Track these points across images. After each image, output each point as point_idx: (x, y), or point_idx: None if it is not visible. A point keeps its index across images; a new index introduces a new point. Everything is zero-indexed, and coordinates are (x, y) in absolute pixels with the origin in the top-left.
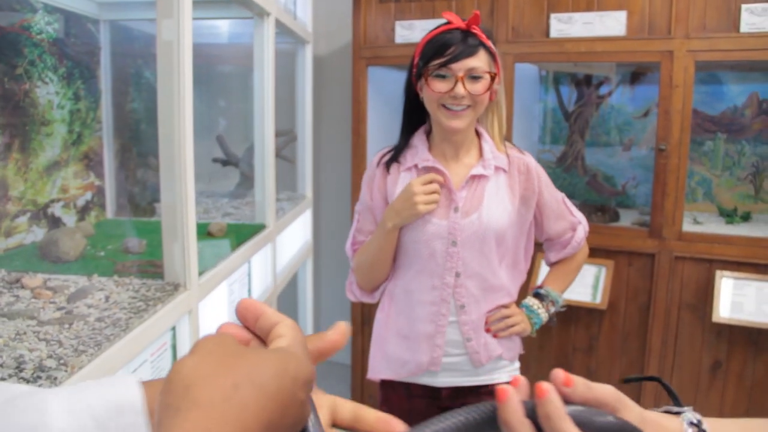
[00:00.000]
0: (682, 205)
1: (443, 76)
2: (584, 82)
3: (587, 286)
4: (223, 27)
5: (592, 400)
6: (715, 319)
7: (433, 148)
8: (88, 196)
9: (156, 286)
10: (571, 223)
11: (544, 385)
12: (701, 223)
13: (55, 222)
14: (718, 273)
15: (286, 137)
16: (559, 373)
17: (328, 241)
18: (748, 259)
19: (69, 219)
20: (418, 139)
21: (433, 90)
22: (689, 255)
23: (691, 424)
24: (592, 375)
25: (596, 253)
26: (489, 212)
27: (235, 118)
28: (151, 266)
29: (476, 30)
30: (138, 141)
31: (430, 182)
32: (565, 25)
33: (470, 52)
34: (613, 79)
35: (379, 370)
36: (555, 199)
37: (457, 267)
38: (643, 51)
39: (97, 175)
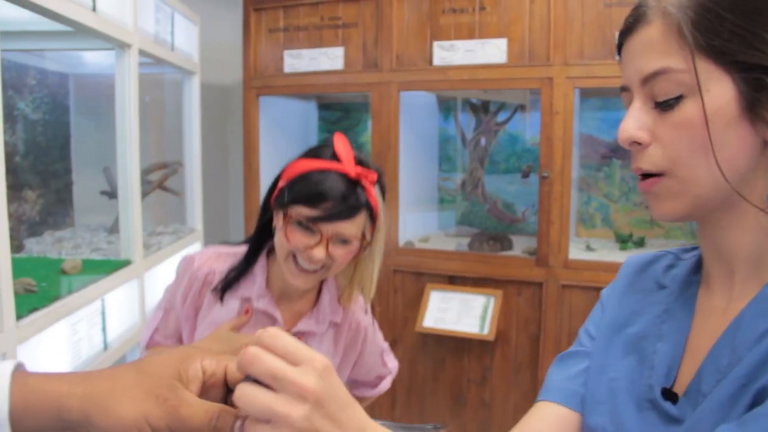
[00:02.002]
0: (568, 232)
1: (306, 227)
2: (482, 110)
3: (475, 317)
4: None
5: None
6: None
7: (271, 277)
8: None
9: None
10: (382, 374)
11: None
12: (594, 250)
13: None
14: None
15: (167, 170)
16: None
17: None
18: None
19: None
20: (259, 266)
21: (289, 240)
22: (576, 283)
23: None
24: (486, 406)
25: (485, 282)
26: None
27: None
28: None
29: (365, 183)
30: (10, 174)
31: None
32: (448, 53)
33: (348, 215)
34: (512, 106)
35: None
36: (373, 353)
37: None
38: (524, 78)
39: None
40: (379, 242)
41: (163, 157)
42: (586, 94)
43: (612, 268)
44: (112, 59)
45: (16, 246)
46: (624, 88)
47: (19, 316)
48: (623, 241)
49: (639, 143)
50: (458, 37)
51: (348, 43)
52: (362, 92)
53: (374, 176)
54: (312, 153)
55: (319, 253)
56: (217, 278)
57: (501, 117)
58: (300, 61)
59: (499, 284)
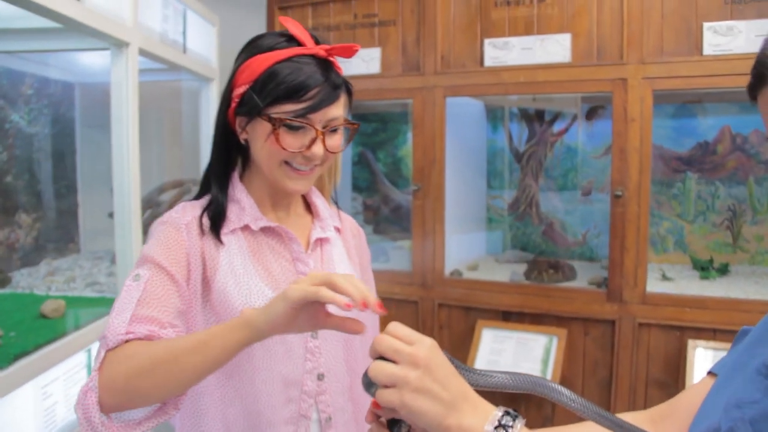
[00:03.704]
0: (645, 261)
1: (296, 128)
2: (536, 118)
3: (536, 360)
4: None
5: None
6: None
7: (256, 198)
8: None
9: None
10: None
11: None
12: (671, 279)
13: None
14: (691, 342)
15: (181, 188)
16: None
17: None
18: (726, 326)
19: None
20: (239, 191)
21: (284, 147)
22: (656, 321)
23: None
24: None
25: (546, 320)
26: None
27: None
28: None
29: (334, 59)
30: (0, 196)
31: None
32: (501, 52)
33: (334, 98)
34: (569, 114)
35: None
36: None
37: (319, 367)
38: (591, 80)
39: None
40: None
41: (182, 174)
42: (656, 98)
43: (696, 303)
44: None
45: (5, 280)
46: None
47: None
48: (703, 268)
49: None
50: (513, 33)
51: (385, 43)
52: (401, 99)
53: (341, 50)
54: (265, 47)
55: (318, 149)
56: (199, 224)
57: (557, 126)
58: None
59: (563, 322)
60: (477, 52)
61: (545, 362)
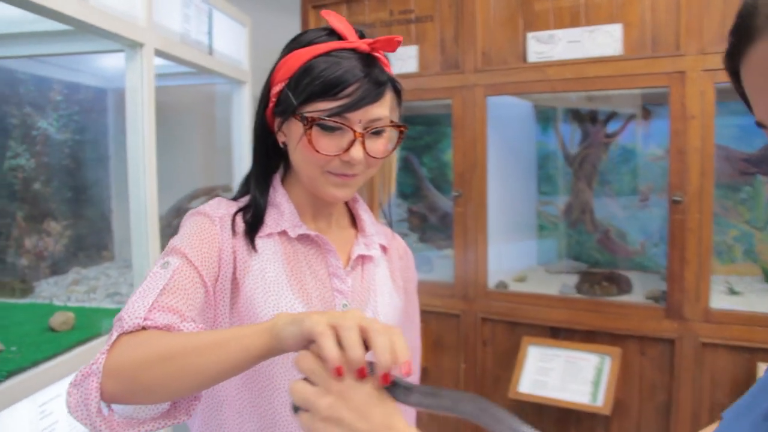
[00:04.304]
0: (708, 274)
1: (332, 129)
2: (588, 119)
3: (586, 382)
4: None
5: None
6: None
7: (297, 207)
8: None
9: None
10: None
11: None
12: (739, 293)
13: None
14: (762, 366)
15: (209, 196)
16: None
17: None
18: None
19: None
20: (280, 195)
21: (319, 151)
22: (721, 341)
23: None
24: None
25: (598, 337)
26: (384, 309)
27: (165, 174)
28: None
29: (380, 54)
30: (27, 203)
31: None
32: (546, 46)
33: (376, 96)
34: (625, 114)
35: None
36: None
37: None
38: (645, 74)
39: None
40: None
41: (215, 181)
42: (719, 94)
43: None
44: (160, 71)
45: (22, 290)
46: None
47: None
48: None
49: None
50: (559, 25)
51: (423, 40)
52: (441, 100)
53: (384, 43)
54: (304, 41)
55: (356, 152)
56: (232, 222)
57: (612, 127)
58: None
59: (617, 340)
60: (520, 47)
61: (596, 384)
